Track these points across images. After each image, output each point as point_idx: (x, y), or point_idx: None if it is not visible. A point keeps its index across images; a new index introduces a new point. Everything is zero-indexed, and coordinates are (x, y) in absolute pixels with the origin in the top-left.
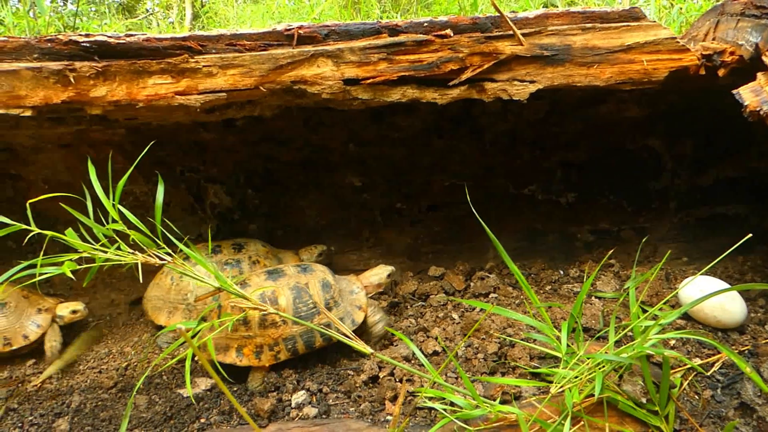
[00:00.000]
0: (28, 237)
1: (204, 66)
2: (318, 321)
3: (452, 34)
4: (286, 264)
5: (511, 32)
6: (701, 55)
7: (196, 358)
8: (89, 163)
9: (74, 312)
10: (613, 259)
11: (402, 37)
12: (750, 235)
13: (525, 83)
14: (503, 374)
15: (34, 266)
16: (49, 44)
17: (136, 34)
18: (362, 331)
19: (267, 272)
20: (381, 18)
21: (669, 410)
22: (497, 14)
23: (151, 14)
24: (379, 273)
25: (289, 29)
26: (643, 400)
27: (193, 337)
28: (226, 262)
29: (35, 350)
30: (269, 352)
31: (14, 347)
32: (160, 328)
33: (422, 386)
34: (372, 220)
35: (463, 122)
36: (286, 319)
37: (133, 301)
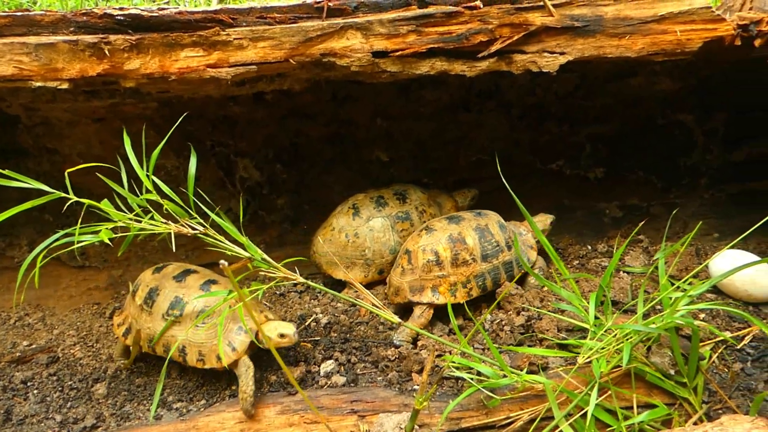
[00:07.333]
0: (66, 206)
1: (235, 39)
2: (502, 258)
3: (482, 6)
4: (461, 212)
5: (541, 3)
6: (737, 25)
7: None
8: (125, 135)
9: (282, 336)
10: (642, 234)
11: (431, 9)
12: None
13: (555, 55)
14: (530, 346)
15: (71, 235)
16: (84, 17)
17: (168, 8)
18: (522, 281)
19: (447, 218)
20: None
21: (697, 382)
22: None
23: None
24: (543, 220)
25: (319, 2)
26: (672, 372)
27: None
28: (396, 215)
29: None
30: (463, 289)
31: (206, 366)
32: None
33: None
34: None
35: (490, 96)
36: (475, 258)
37: None
